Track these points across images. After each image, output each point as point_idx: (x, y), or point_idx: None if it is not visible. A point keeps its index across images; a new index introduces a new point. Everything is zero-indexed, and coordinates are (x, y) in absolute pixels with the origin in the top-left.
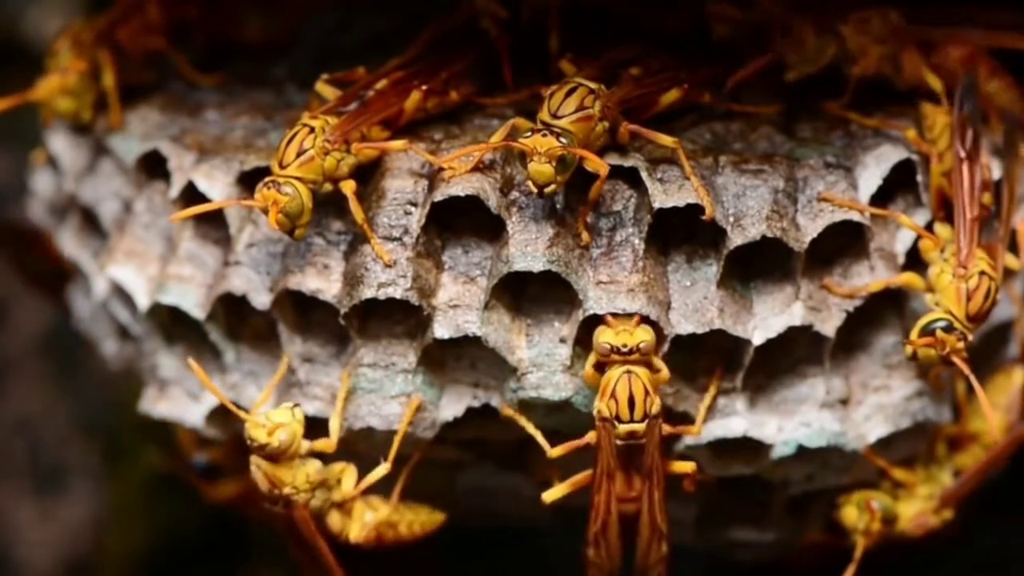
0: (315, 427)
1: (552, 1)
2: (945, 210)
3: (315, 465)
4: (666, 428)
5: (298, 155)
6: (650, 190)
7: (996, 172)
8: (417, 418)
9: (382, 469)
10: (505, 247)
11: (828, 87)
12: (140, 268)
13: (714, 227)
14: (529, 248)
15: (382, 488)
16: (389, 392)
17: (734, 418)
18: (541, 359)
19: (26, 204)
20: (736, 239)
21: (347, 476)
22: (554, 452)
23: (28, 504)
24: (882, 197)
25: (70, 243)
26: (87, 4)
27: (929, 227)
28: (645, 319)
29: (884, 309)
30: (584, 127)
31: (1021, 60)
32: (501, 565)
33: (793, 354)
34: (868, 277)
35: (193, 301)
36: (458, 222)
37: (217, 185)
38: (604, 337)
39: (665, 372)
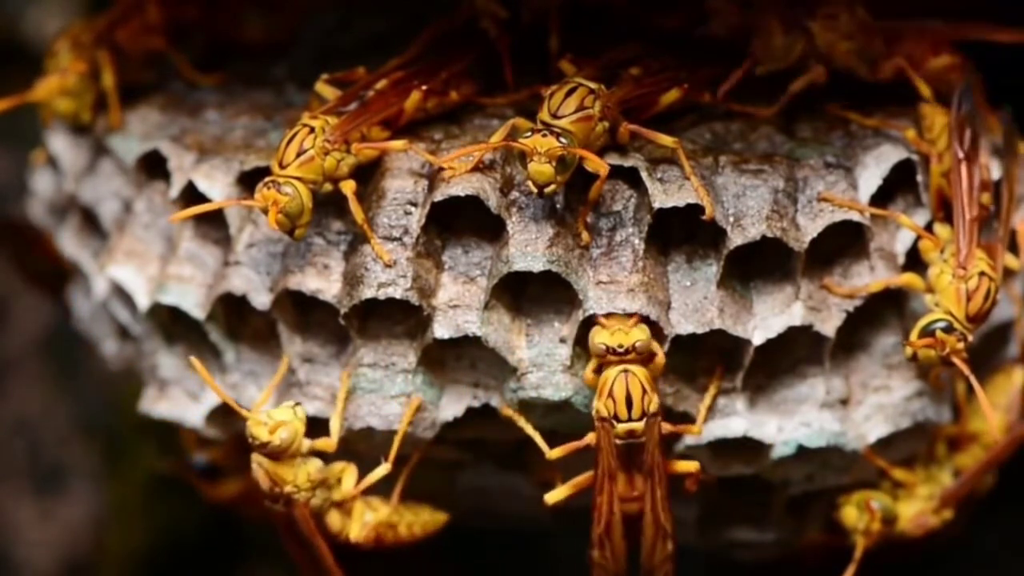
0: (315, 427)
1: (552, 1)
2: (945, 210)
3: (316, 464)
4: (666, 427)
5: (298, 155)
6: (650, 190)
7: (995, 172)
8: (417, 418)
9: (382, 469)
10: (505, 247)
11: (828, 87)
12: (140, 268)
13: (714, 227)
14: (529, 248)
15: (382, 488)
16: (389, 392)
17: (734, 418)
18: (541, 359)
19: (26, 204)
20: (736, 239)
21: (347, 476)
22: (553, 453)
23: (28, 504)
24: (882, 197)
25: (70, 243)
26: (87, 4)
27: (929, 227)
28: (645, 319)
29: (884, 309)
30: (584, 127)
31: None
32: (501, 565)
33: (793, 354)
34: (868, 277)
35: (193, 301)
36: (458, 222)
37: (217, 185)
38: (599, 338)
39: (661, 357)
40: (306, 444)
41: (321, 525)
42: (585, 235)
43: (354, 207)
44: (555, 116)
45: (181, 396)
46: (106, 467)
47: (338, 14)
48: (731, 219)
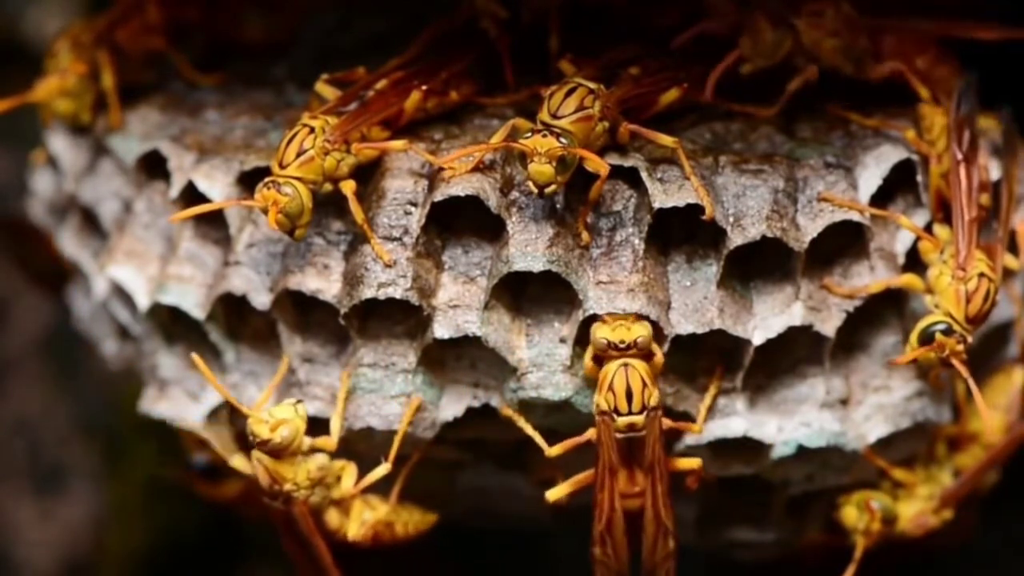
0: (315, 427)
1: (552, 1)
2: (944, 211)
3: (316, 462)
4: (666, 422)
5: (298, 155)
6: (650, 190)
7: (995, 172)
8: (417, 418)
9: (382, 469)
10: (505, 247)
11: (829, 87)
12: (140, 268)
13: (714, 227)
14: (529, 248)
15: (381, 487)
16: (389, 392)
17: (734, 418)
18: (541, 359)
19: (26, 204)
20: (736, 239)
21: (347, 474)
22: (552, 451)
23: (28, 504)
24: (882, 197)
25: (70, 243)
26: (87, 4)
27: (929, 228)
28: (645, 319)
29: (884, 309)
30: (584, 127)
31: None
32: (501, 565)
33: (793, 354)
34: (868, 277)
35: (193, 301)
36: (458, 222)
37: (217, 185)
38: (601, 332)
39: (660, 356)
40: (307, 442)
41: (320, 523)
42: (585, 235)
43: (354, 207)
44: (555, 116)
45: (181, 396)
46: (106, 467)
47: (338, 14)
48: (731, 219)
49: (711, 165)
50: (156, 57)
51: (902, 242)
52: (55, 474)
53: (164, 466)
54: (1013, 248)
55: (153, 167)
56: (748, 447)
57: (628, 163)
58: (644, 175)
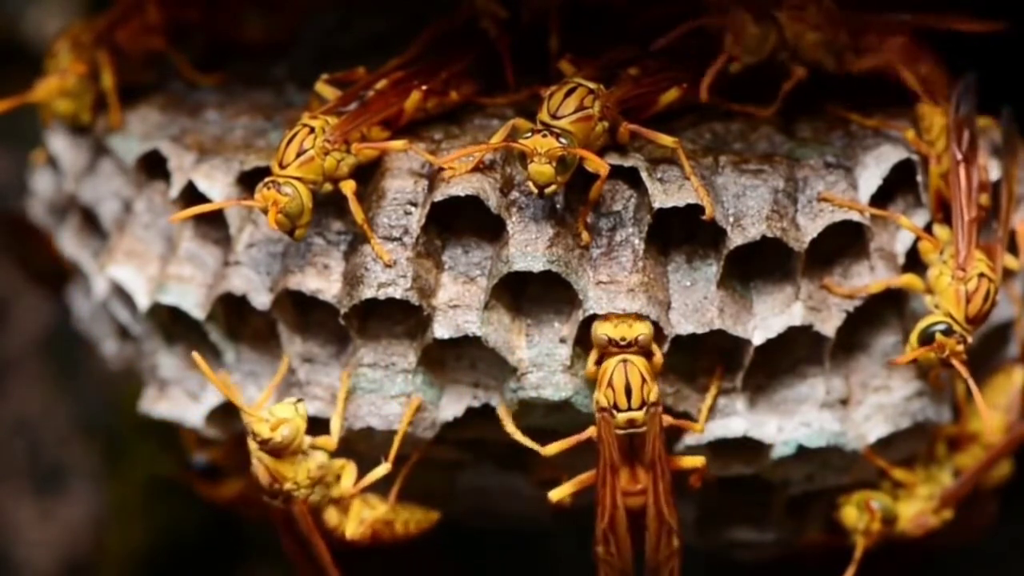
0: (315, 427)
1: (552, 1)
2: (944, 211)
3: (316, 460)
4: (667, 419)
5: (298, 155)
6: (650, 190)
7: (995, 172)
8: (417, 418)
9: (382, 469)
10: (505, 247)
11: (829, 87)
12: (140, 268)
13: (714, 227)
14: (529, 248)
15: (380, 486)
16: (389, 392)
17: (734, 418)
18: (541, 359)
19: (26, 204)
20: (736, 239)
21: (346, 473)
22: (550, 449)
23: (28, 504)
24: (882, 197)
25: (70, 243)
26: (87, 4)
27: (928, 228)
28: (645, 319)
29: (884, 309)
30: (584, 127)
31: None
32: (501, 565)
33: (793, 354)
34: (868, 277)
35: (193, 301)
36: (458, 222)
37: (217, 185)
38: (603, 329)
39: (659, 356)
40: (307, 441)
41: (319, 521)
42: (585, 235)
43: (354, 207)
44: (554, 116)
45: (181, 396)
46: (106, 467)
47: (338, 14)
48: (731, 219)
49: (711, 165)
50: (156, 57)
51: (902, 242)
52: (55, 474)
53: (164, 465)
54: (1013, 248)
55: (153, 167)
56: (748, 447)
57: (628, 163)
58: (644, 175)
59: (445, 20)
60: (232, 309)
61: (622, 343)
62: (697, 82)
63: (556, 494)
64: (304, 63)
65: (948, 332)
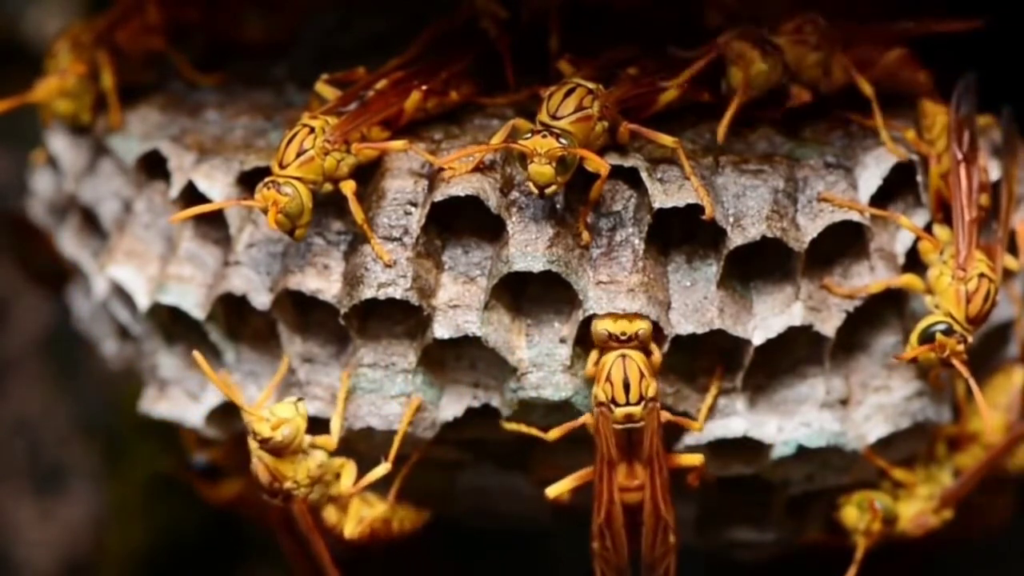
0: (315, 427)
1: (552, 1)
2: (944, 212)
3: (316, 460)
4: (665, 415)
5: (298, 155)
6: (650, 190)
7: (995, 172)
8: (417, 418)
9: (382, 469)
10: (505, 247)
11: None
12: (140, 268)
13: (714, 227)
14: (529, 248)
15: (380, 485)
16: (389, 392)
17: (734, 418)
18: (541, 359)
19: (26, 204)
20: (736, 239)
21: (346, 472)
22: (552, 434)
23: (28, 504)
24: (882, 197)
25: (70, 243)
26: (87, 4)
27: (928, 228)
28: (645, 319)
29: (884, 309)
30: (583, 127)
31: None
32: (501, 565)
33: (793, 354)
34: (868, 277)
35: (193, 301)
36: (458, 222)
37: (217, 185)
38: (603, 325)
39: (658, 355)
40: (307, 440)
41: (318, 520)
42: (585, 235)
43: (354, 207)
44: (554, 117)
45: (181, 396)
46: (106, 467)
47: (338, 14)
48: (731, 219)
49: (711, 165)
50: (156, 57)
51: (902, 242)
52: (55, 474)
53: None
54: (1013, 248)
55: (153, 167)
56: (748, 447)
57: (628, 163)
58: (644, 175)
59: (445, 20)
60: (232, 309)
61: (622, 338)
62: (697, 82)
63: (553, 490)
64: (304, 63)
65: (948, 332)
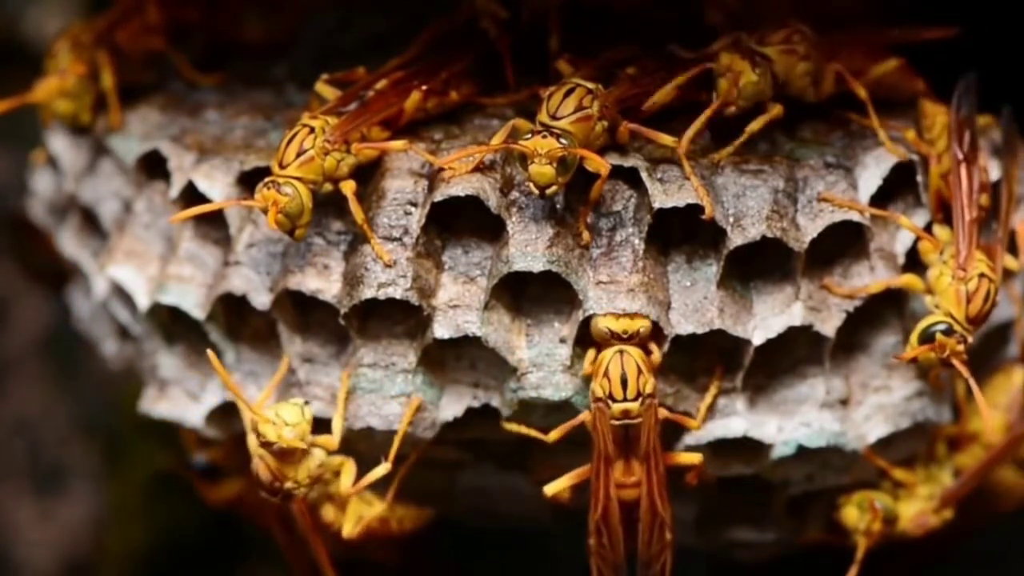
0: (315, 427)
1: (552, 1)
2: (944, 212)
3: (317, 459)
4: (663, 412)
5: (298, 155)
6: (650, 190)
7: (995, 172)
8: (417, 418)
9: (382, 468)
10: (505, 247)
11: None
12: (140, 268)
13: (714, 227)
14: (529, 248)
15: (379, 484)
16: (389, 392)
17: (734, 418)
18: (541, 359)
19: (26, 204)
20: (736, 239)
21: (345, 471)
22: (552, 436)
23: (28, 504)
24: (882, 197)
25: (70, 243)
26: (87, 4)
27: (929, 228)
28: (645, 319)
29: (884, 309)
30: (583, 127)
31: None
32: (501, 565)
33: (793, 354)
34: (868, 277)
35: (193, 301)
36: (458, 222)
37: (217, 185)
38: (605, 322)
39: (657, 355)
40: (308, 440)
41: (316, 518)
42: (586, 235)
43: (354, 207)
44: (554, 117)
45: (181, 396)
46: (106, 467)
47: (338, 14)
48: (731, 219)
49: (711, 165)
50: (156, 57)
51: (902, 242)
52: (55, 474)
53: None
54: (1013, 248)
55: (153, 167)
56: (748, 447)
57: (628, 163)
58: (644, 175)
59: (445, 20)
60: (232, 309)
61: (624, 336)
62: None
63: (552, 488)
64: (304, 63)
65: (949, 332)
